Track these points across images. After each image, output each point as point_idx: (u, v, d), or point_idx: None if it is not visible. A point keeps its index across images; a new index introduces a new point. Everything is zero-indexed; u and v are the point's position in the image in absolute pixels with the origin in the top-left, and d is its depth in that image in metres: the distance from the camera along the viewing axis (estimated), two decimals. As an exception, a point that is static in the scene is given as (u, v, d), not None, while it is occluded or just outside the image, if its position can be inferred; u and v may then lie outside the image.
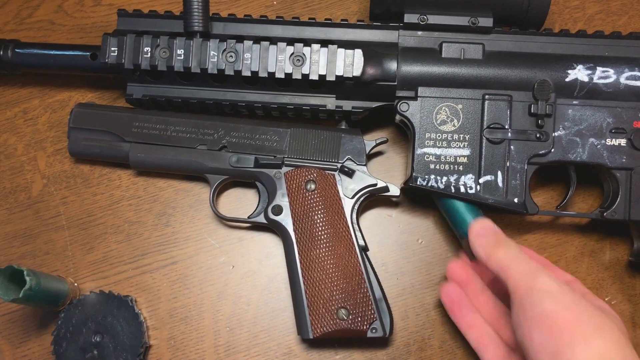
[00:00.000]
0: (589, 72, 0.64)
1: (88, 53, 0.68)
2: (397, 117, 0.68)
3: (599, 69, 0.65)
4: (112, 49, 0.66)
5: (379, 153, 0.73)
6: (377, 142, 0.69)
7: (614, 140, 0.65)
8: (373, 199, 0.69)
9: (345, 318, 0.63)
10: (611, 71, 0.64)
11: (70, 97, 0.75)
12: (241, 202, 0.72)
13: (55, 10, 0.77)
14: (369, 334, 0.64)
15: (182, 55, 0.65)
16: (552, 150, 0.65)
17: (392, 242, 0.71)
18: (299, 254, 0.66)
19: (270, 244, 0.71)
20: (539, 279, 0.53)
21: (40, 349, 0.68)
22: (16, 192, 0.72)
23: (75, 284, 0.69)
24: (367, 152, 0.68)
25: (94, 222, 0.72)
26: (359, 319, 0.64)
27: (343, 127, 0.69)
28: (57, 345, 0.65)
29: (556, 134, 0.65)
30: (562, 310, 0.50)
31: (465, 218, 0.64)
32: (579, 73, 0.65)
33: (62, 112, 0.75)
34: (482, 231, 0.61)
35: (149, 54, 0.65)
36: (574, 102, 0.65)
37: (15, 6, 0.77)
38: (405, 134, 0.72)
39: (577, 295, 0.52)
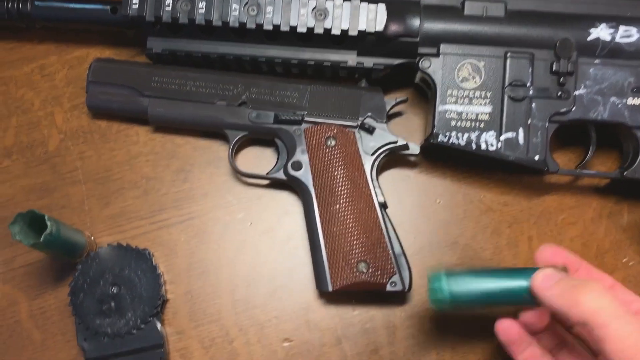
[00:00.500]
0: (611, 31, 0.65)
1: (108, 7, 0.68)
2: (418, 75, 0.68)
3: (622, 28, 0.65)
4: (134, 1, 0.65)
5: (398, 114, 0.73)
6: (398, 100, 0.69)
7: (635, 99, 0.65)
8: (392, 157, 0.69)
9: (365, 271, 0.63)
10: (634, 30, 0.64)
11: (87, 54, 0.75)
12: (259, 160, 0.72)
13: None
14: (388, 288, 0.64)
15: (204, 8, 0.65)
16: (574, 108, 0.65)
17: (411, 202, 0.71)
18: (318, 209, 0.65)
19: (289, 201, 0.71)
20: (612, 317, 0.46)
21: (56, 301, 0.68)
22: (33, 146, 0.72)
23: (92, 238, 0.69)
24: (387, 110, 0.68)
25: (111, 177, 0.71)
26: (379, 272, 0.64)
27: (363, 85, 0.69)
28: (74, 297, 0.65)
29: (577, 92, 0.65)
30: None
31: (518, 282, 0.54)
32: (601, 32, 0.65)
33: (80, 68, 0.74)
34: (549, 279, 0.51)
35: (171, 6, 0.65)
36: (596, 61, 0.65)
37: (34, -38, 0.77)
38: (423, 96, 0.72)
39: None
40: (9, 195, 0.71)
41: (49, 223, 0.58)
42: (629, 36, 0.65)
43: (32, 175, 0.71)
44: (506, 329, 0.55)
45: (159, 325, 0.65)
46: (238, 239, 0.70)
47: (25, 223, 0.59)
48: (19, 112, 0.73)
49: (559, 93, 0.65)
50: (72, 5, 0.69)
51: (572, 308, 0.48)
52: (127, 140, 0.72)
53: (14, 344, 0.67)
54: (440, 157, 0.71)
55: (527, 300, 0.53)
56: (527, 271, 0.53)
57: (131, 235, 0.70)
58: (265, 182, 0.71)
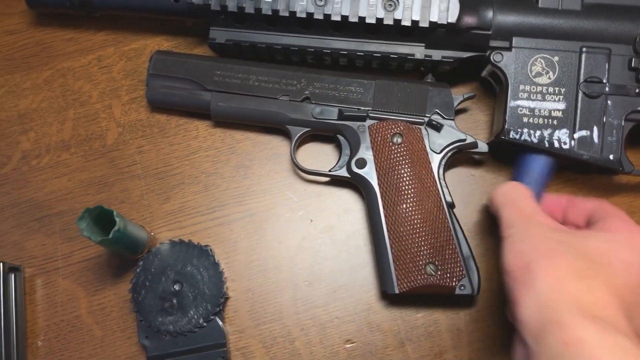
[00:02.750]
0: (694, 25, 0.62)
1: (172, -5, 0.67)
2: (487, 69, 0.66)
3: None
4: (201, -11, 0.64)
5: (463, 110, 0.71)
6: (465, 96, 0.67)
7: None
8: (458, 155, 0.67)
9: (434, 274, 0.62)
10: None
11: (145, 46, 0.74)
12: (319, 157, 0.70)
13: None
14: (457, 291, 0.62)
15: (271, -2, 0.64)
16: (652, 107, 0.62)
17: (476, 202, 0.69)
18: (384, 208, 0.64)
19: (349, 199, 0.69)
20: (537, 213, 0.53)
21: (115, 297, 0.67)
22: (91, 139, 0.71)
23: (152, 234, 0.68)
24: (455, 106, 0.66)
25: (170, 172, 0.70)
26: (448, 275, 0.62)
27: (429, 80, 0.67)
28: (136, 293, 0.64)
29: (657, 90, 0.62)
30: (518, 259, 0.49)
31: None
32: (683, 27, 0.62)
33: (138, 60, 0.73)
34: (502, 189, 0.58)
35: (237, -5, 0.64)
36: (677, 57, 0.62)
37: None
38: (489, 91, 0.70)
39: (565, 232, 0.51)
40: (68, 189, 0.70)
41: (117, 219, 0.57)
42: None
43: (91, 169, 0.70)
44: None
45: (221, 324, 0.64)
46: (298, 236, 0.68)
47: (91, 219, 0.59)
48: (77, 104, 0.72)
49: (637, 90, 0.62)
50: (135, -7, 0.68)
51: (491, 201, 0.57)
52: (187, 135, 0.71)
53: (75, 339, 0.66)
54: (506, 156, 0.69)
55: None
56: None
57: (191, 232, 0.69)
58: (325, 179, 0.69)
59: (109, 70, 0.73)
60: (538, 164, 0.63)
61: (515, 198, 0.56)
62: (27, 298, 0.67)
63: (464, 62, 0.66)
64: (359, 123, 0.66)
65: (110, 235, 0.57)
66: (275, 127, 0.69)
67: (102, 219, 0.59)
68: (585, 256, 0.47)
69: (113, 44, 0.74)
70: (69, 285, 0.68)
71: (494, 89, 0.69)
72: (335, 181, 0.69)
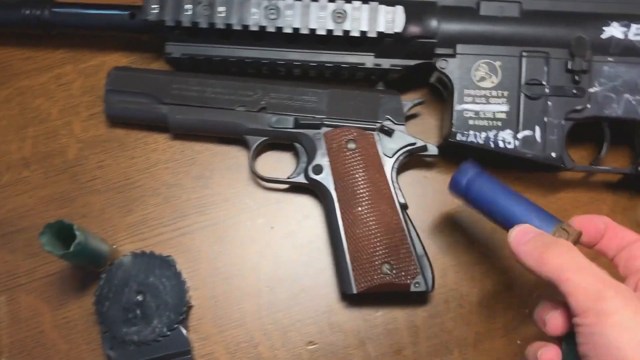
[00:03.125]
0: (624, 29, 0.66)
1: (127, 12, 0.68)
2: (434, 75, 0.69)
3: (634, 26, 0.66)
4: (154, 6, 0.66)
5: (413, 115, 0.74)
6: (415, 102, 0.70)
7: (648, 95, 0.66)
8: (411, 158, 0.70)
9: (389, 272, 0.64)
10: (646, 28, 0.66)
11: (103, 63, 0.75)
12: (278, 164, 0.72)
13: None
14: (412, 288, 0.64)
15: (224, 12, 0.65)
16: (588, 105, 0.66)
17: (429, 202, 0.72)
18: (340, 211, 0.66)
19: (309, 205, 0.71)
20: (608, 299, 0.45)
21: (80, 310, 0.68)
22: (52, 156, 0.72)
23: (114, 247, 0.69)
24: (405, 112, 0.69)
25: (131, 185, 0.71)
26: (403, 273, 0.64)
27: (380, 88, 0.70)
28: (100, 305, 0.65)
29: (592, 90, 0.66)
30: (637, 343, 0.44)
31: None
32: (614, 30, 0.66)
33: (96, 77, 0.74)
34: (524, 235, 0.51)
35: (191, 10, 0.66)
36: (609, 58, 0.66)
37: (47, -28, 0.77)
38: (438, 97, 0.73)
39: None
40: (29, 205, 0.71)
41: (77, 233, 0.58)
42: (641, 34, 0.66)
43: (52, 185, 0.71)
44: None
45: (184, 332, 0.65)
46: (260, 243, 0.70)
47: (52, 233, 0.60)
48: (36, 122, 0.73)
49: (574, 91, 0.66)
50: (90, 11, 0.70)
51: (540, 266, 0.48)
52: (146, 148, 0.72)
53: (40, 354, 0.67)
54: (458, 157, 0.72)
55: None
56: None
57: (153, 243, 0.70)
58: (285, 186, 0.71)
59: (68, 87, 0.74)
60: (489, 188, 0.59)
61: (565, 249, 0.49)
62: (-9, 315, 0.68)
63: (412, 69, 0.69)
64: (314, 131, 0.68)
65: (72, 249, 0.58)
66: (233, 137, 0.71)
67: (63, 233, 0.60)
68: None
69: (71, 61, 0.75)
70: (33, 301, 0.68)
71: (442, 95, 0.72)
72: (295, 188, 0.71)
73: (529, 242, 0.50)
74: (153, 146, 0.72)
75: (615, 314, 0.44)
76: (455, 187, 0.60)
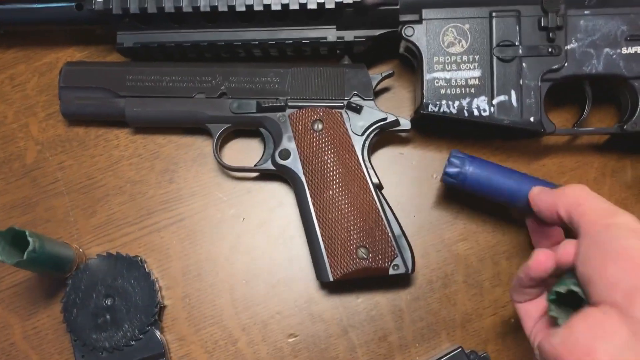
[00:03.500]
0: (599, -22, 0.62)
1: (73, 3, 0.65)
2: (402, 44, 0.65)
3: (609, -25, 0.62)
4: (98, -6, 0.62)
5: (385, 89, 0.70)
6: (384, 75, 0.66)
7: (630, 48, 0.62)
8: (384, 135, 0.66)
9: (366, 257, 0.61)
10: (622, -24, 0.61)
11: (57, 59, 0.72)
12: (246, 152, 0.69)
13: (34, -30, 0.73)
14: (391, 272, 0.61)
15: (172, -6, 0.62)
16: (566, 64, 0.62)
17: (407, 180, 0.68)
18: (311, 196, 0.63)
19: (280, 192, 0.68)
20: (619, 216, 0.47)
21: (49, 319, 0.65)
22: (10, 161, 0.69)
23: (81, 250, 0.66)
24: (373, 86, 0.65)
25: (94, 185, 0.68)
26: (380, 256, 0.61)
27: (346, 62, 0.66)
28: (67, 313, 0.63)
29: (569, 47, 0.62)
30: None
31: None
32: (589, -20, 0.62)
33: (51, 74, 0.71)
34: (541, 190, 0.55)
35: (137, -4, 0.62)
36: (585, 11, 0.62)
37: (-9, -31, 0.73)
38: (410, 67, 0.69)
39: None
40: (-10, 214, 0.68)
41: (30, 239, 0.56)
42: (618, -18, 0.61)
43: (13, 191, 0.68)
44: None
45: (158, 334, 0.63)
46: (232, 236, 0.67)
47: (7, 241, 0.57)
48: (-8, 127, 0.70)
49: (550, 49, 0.62)
50: (35, 6, 0.66)
51: (557, 203, 0.52)
52: (108, 145, 0.69)
53: (11, 367, 0.64)
54: (434, 129, 0.68)
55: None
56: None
57: (121, 243, 0.67)
58: (255, 174, 0.68)
59: (23, 88, 0.71)
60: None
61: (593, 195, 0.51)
62: (-42, 331, 0.65)
63: (379, 39, 0.65)
64: (279, 113, 0.65)
65: (25, 257, 0.55)
66: (195, 126, 0.67)
67: (19, 240, 0.57)
68: None
69: (24, 60, 0.72)
70: (1, 313, 0.66)
71: (413, 64, 0.68)
72: (265, 175, 0.68)
73: (546, 193, 0.54)
74: (114, 142, 0.69)
75: (625, 222, 0.46)
76: (449, 181, 0.60)
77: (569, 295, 0.47)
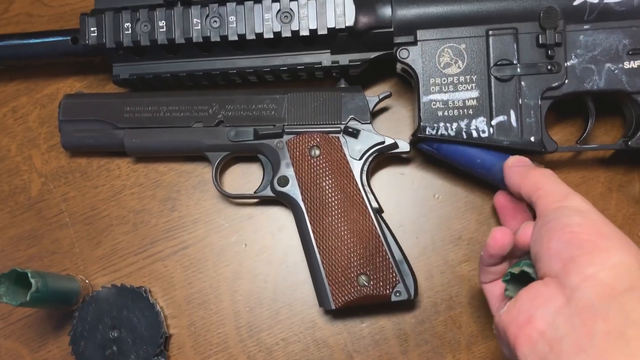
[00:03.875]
0: (598, -8, 0.60)
1: (69, 37, 0.65)
2: (398, 65, 0.64)
3: (609, -12, 0.60)
4: (92, 29, 0.63)
5: (384, 109, 0.69)
6: (381, 97, 0.65)
7: (632, 62, 0.60)
8: (383, 157, 0.66)
9: (367, 284, 0.60)
10: (622, -12, 0.60)
11: (58, 90, 0.72)
12: (246, 177, 0.69)
13: (31, 1, 0.74)
14: (393, 298, 0.61)
15: (165, 27, 0.62)
16: (566, 81, 0.60)
17: (408, 201, 0.67)
18: (310, 223, 0.62)
19: (282, 216, 0.68)
20: (572, 199, 0.50)
21: (59, 350, 0.66)
22: (15, 194, 0.70)
23: (87, 281, 0.67)
24: (370, 109, 0.64)
25: (98, 215, 0.69)
26: (381, 283, 0.61)
27: (342, 85, 0.66)
28: (75, 345, 0.64)
29: (569, 63, 0.60)
30: (589, 225, 0.47)
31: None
32: (587, -6, 0.60)
33: (52, 106, 0.72)
34: (517, 161, 0.58)
35: (130, 29, 0.62)
36: (585, 26, 0.60)
37: (-10, 3, 0.74)
38: (409, 86, 0.68)
39: (608, 221, 0.48)
40: (-2, 247, 0.69)
41: (33, 280, 0.56)
42: (617, -5, 0.60)
43: (18, 224, 0.69)
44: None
45: (164, 364, 0.63)
46: (234, 262, 0.67)
47: (11, 282, 0.58)
48: (-3, 160, 0.71)
49: (549, 67, 0.60)
50: (32, 41, 0.67)
51: (521, 183, 0.55)
52: (110, 175, 0.70)
53: (24, 399, 0.66)
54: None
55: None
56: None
57: (126, 273, 0.68)
58: (256, 200, 0.68)
59: (25, 120, 0.72)
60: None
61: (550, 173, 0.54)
62: (-28, 364, 0.67)
63: (374, 62, 0.65)
64: (276, 140, 0.64)
65: (28, 298, 0.56)
66: (194, 155, 0.67)
67: (23, 280, 0.58)
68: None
69: (25, 92, 0.73)
70: (12, 345, 0.67)
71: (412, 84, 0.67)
72: (266, 200, 0.68)
73: (520, 166, 0.57)
74: (116, 172, 0.70)
75: (575, 204, 0.49)
76: (424, 147, 0.62)
77: (523, 276, 0.49)
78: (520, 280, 0.50)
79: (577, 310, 0.42)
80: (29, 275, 0.56)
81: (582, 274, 0.43)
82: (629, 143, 0.61)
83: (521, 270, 0.50)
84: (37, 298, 0.57)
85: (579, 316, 0.42)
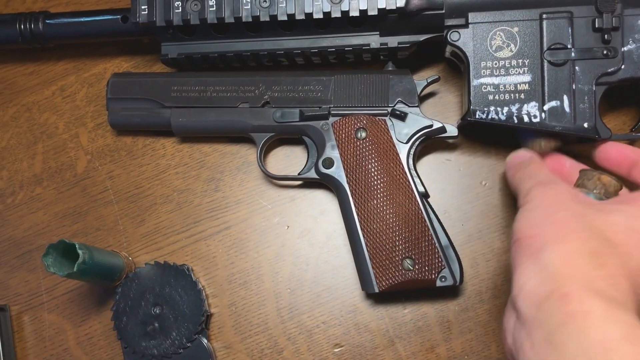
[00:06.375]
0: (659, -26, 0.58)
1: (119, 16, 0.66)
2: (448, 49, 0.63)
3: (670, -30, 0.58)
4: (142, 7, 0.63)
5: (431, 94, 0.68)
6: (429, 80, 0.64)
7: (693, 48, 0.58)
8: (430, 142, 0.65)
9: (412, 268, 0.60)
10: (684, -29, 0.58)
11: (105, 70, 0.73)
12: (290, 160, 0.69)
13: (82, -18, 0.75)
14: (438, 283, 0.60)
15: (215, 6, 0.62)
16: (623, 66, 0.59)
17: (454, 187, 0.66)
18: (355, 206, 0.62)
19: (324, 200, 0.67)
20: (545, 186, 0.50)
21: (101, 326, 0.67)
22: (62, 170, 0.71)
23: (130, 258, 0.67)
24: (418, 92, 0.64)
25: (142, 193, 0.70)
26: (426, 268, 0.60)
27: (390, 68, 0.65)
28: (118, 320, 0.64)
29: (626, 48, 0.59)
30: (539, 217, 0.46)
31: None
32: (647, -23, 0.58)
33: (99, 85, 0.73)
34: (516, 156, 0.58)
35: (180, 7, 0.62)
36: (644, 10, 0.59)
37: (42, -17, 0.75)
38: (457, 71, 0.67)
39: (578, 206, 0.47)
40: (44, 222, 0.70)
41: (80, 252, 0.57)
42: (679, -22, 0.58)
43: (64, 200, 0.70)
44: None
45: (205, 342, 0.63)
46: (276, 244, 0.67)
47: (58, 253, 0.58)
48: (44, 137, 0.72)
49: (605, 52, 0.59)
50: (83, 19, 0.68)
51: (511, 178, 0.55)
52: (155, 154, 0.70)
53: (66, 372, 0.66)
54: (483, 135, 0.66)
55: None
56: None
57: (169, 251, 0.68)
58: (297, 182, 0.68)
59: (73, 99, 0.73)
60: None
61: (530, 167, 0.55)
62: (16, 336, 0.68)
63: (423, 44, 0.64)
64: (322, 122, 0.64)
65: (75, 269, 0.56)
66: (239, 135, 0.68)
67: (70, 251, 0.59)
68: (601, 233, 0.45)
69: (74, 72, 0.74)
70: (55, 319, 0.68)
71: (460, 68, 0.66)
72: (308, 183, 0.67)
73: (518, 161, 0.57)
74: (161, 152, 0.70)
75: (554, 185, 0.50)
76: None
77: None
78: None
79: (521, 323, 0.43)
80: (77, 246, 0.57)
81: (517, 286, 0.44)
82: (687, 131, 0.59)
83: None
84: (83, 270, 0.57)
85: (524, 328, 0.42)
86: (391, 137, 0.63)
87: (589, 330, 0.38)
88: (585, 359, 0.38)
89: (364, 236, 0.61)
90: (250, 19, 0.62)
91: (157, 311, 0.64)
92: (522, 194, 0.51)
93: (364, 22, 0.62)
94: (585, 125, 0.59)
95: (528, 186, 0.51)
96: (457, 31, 0.61)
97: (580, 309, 0.40)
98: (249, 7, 0.62)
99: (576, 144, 0.62)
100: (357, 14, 0.61)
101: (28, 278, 0.69)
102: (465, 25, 0.61)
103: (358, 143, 0.63)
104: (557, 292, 0.41)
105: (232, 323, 0.66)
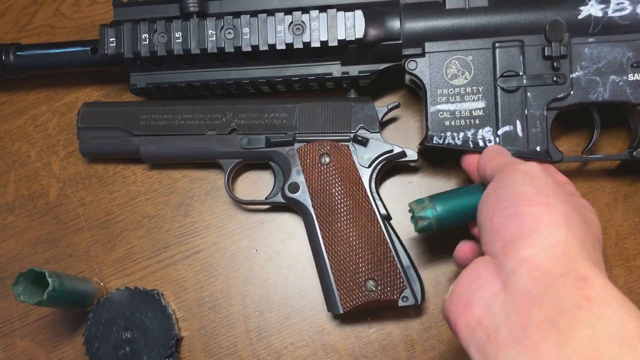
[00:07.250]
0: (603, 6, 0.61)
1: (88, 47, 0.68)
2: (407, 77, 0.66)
3: (613, 2, 0.61)
4: (111, 39, 0.65)
5: (393, 119, 0.71)
6: (389, 107, 0.67)
7: (636, 75, 0.61)
8: (391, 166, 0.67)
9: (374, 289, 0.62)
10: (626, 2, 0.61)
11: (77, 99, 0.75)
12: (257, 184, 0.71)
13: (53, 14, 0.77)
14: (400, 303, 0.62)
15: (181, 38, 0.64)
16: (572, 92, 0.62)
17: (416, 208, 0.68)
18: (320, 229, 0.64)
19: (292, 223, 0.69)
20: (525, 164, 0.47)
21: (73, 351, 0.68)
22: (34, 198, 0.72)
23: (102, 284, 0.69)
24: (379, 118, 0.66)
25: (113, 220, 0.71)
26: (388, 288, 0.62)
27: (352, 95, 0.67)
28: (89, 345, 0.65)
29: (574, 75, 0.62)
30: (536, 195, 0.43)
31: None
32: (592, 8, 0.61)
33: (71, 114, 0.74)
34: (489, 150, 0.55)
35: (147, 40, 0.65)
36: (590, 39, 0.62)
37: (14, 14, 0.77)
38: (417, 97, 0.70)
39: (559, 187, 0.45)
40: (17, 250, 0.71)
41: (50, 280, 0.58)
42: (621, 9, 0.61)
43: (37, 228, 0.71)
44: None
45: (175, 365, 0.65)
46: (245, 267, 0.69)
47: (29, 281, 0.60)
48: (17, 165, 0.73)
49: (554, 78, 0.62)
50: (53, 51, 0.70)
51: (483, 168, 0.52)
52: (125, 181, 0.72)
53: (38, 398, 0.67)
54: (443, 157, 0.69)
55: None
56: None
57: (140, 277, 0.69)
58: (266, 206, 0.70)
59: (45, 127, 0.74)
60: None
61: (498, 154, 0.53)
62: (-12, 363, 0.68)
63: (384, 73, 0.66)
64: (287, 148, 0.66)
65: (45, 297, 0.58)
66: (208, 161, 0.69)
67: (40, 279, 0.60)
68: (579, 209, 0.45)
69: (46, 101, 0.75)
70: (28, 345, 0.69)
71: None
72: (276, 207, 0.69)
73: (491, 154, 0.54)
74: (131, 179, 0.72)
75: (528, 167, 0.46)
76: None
77: None
78: None
79: (511, 298, 0.39)
80: (47, 274, 0.58)
81: (520, 256, 0.40)
82: (634, 154, 0.62)
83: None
84: (53, 297, 0.59)
85: (514, 304, 0.39)
86: (354, 162, 0.65)
87: (606, 320, 0.36)
88: (593, 350, 0.35)
89: (328, 258, 0.63)
90: (215, 50, 0.64)
91: (128, 335, 0.65)
92: (511, 162, 0.49)
93: (325, 52, 0.65)
94: (538, 148, 0.62)
95: (513, 160, 0.50)
96: (414, 60, 0.64)
97: (600, 295, 0.37)
98: (214, 38, 0.64)
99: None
100: (318, 44, 0.63)
101: (0, 305, 0.70)
102: (422, 55, 0.63)
103: (322, 168, 0.65)
104: (575, 273, 0.38)
105: (202, 346, 0.67)
